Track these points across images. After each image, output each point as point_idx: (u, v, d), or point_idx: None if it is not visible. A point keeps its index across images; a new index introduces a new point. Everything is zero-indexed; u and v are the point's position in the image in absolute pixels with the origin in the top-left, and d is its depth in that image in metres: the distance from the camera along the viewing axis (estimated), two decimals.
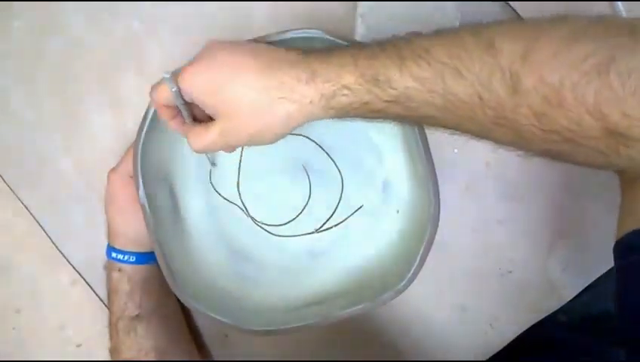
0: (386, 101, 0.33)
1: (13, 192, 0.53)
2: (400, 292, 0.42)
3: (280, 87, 0.34)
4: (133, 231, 0.46)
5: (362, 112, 0.34)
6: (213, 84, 0.35)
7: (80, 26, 0.53)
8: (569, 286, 0.51)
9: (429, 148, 0.42)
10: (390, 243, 0.47)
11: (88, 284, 0.53)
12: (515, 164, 0.51)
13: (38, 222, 0.53)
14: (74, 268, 0.53)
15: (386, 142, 0.47)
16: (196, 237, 0.48)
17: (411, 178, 0.47)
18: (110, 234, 0.48)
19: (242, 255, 0.49)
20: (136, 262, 0.46)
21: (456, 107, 0.31)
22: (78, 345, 0.54)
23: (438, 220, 0.42)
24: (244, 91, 0.34)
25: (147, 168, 0.43)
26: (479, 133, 0.33)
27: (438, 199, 0.42)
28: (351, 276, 0.47)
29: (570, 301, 0.51)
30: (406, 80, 0.32)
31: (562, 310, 0.51)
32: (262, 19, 0.51)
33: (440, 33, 0.33)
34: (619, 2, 0.49)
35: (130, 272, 0.46)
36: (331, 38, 0.41)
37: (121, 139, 0.52)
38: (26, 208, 0.53)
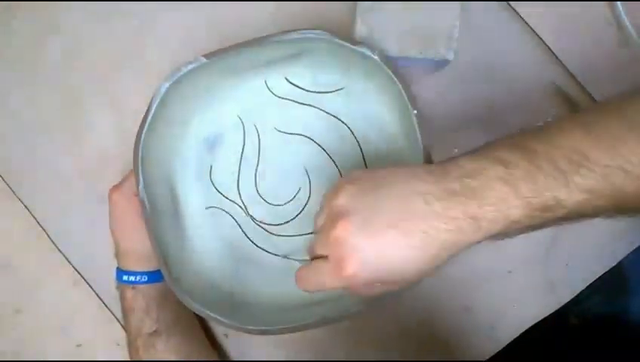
0: (558, 218, 0.31)
1: (14, 192, 0.53)
2: (399, 294, 0.42)
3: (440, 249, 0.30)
4: (143, 249, 0.45)
5: (529, 230, 0.32)
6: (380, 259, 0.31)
7: (80, 26, 0.53)
8: (569, 286, 0.51)
9: (429, 152, 0.42)
10: None
11: (88, 284, 0.53)
12: None
13: (38, 222, 0.53)
14: (74, 268, 0.53)
15: (387, 145, 0.47)
16: (195, 236, 0.48)
17: None
18: (119, 254, 0.47)
19: (241, 254, 0.49)
20: (149, 281, 0.46)
21: (625, 201, 0.30)
22: (78, 345, 0.54)
23: None
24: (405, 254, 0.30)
25: (147, 168, 0.43)
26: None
27: None
28: None
29: (574, 301, 0.51)
30: (575, 196, 0.29)
31: (570, 311, 0.51)
32: (262, 19, 0.51)
33: (581, 124, 0.30)
34: (618, 3, 0.49)
35: (144, 289, 0.46)
36: (338, 41, 0.41)
37: (121, 139, 0.52)
38: (27, 208, 0.53)
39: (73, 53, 0.53)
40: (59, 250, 0.53)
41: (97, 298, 0.53)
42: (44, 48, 0.53)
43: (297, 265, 0.48)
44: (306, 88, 0.48)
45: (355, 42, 0.42)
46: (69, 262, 0.53)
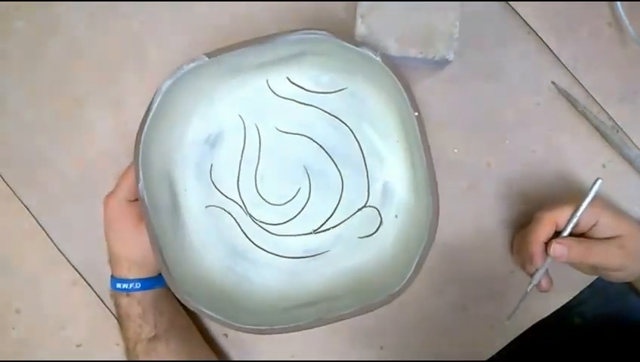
0: None
1: (14, 192, 0.53)
2: (395, 296, 0.42)
3: None
4: (135, 256, 0.45)
5: None
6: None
7: (80, 26, 0.53)
8: (569, 286, 0.51)
9: (430, 155, 0.42)
10: (387, 248, 0.47)
11: (88, 284, 0.53)
12: (516, 164, 0.51)
13: (38, 222, 0.53)
14: (74, 268, 0.53)
15: (387, 146, 0.47)
16: (194, 235, 0.48)
17: (411, 183, 0.46)
18: (112, 261, 0.47)
19: (240, 253, 0.48)
20: (142, 289, 0.46)
21: None
22: (78, 345, 0.54)
23: (436, 227, 0.41)
24: None
25: (148, 165, 0.43)
26: None
27: (437, 207, 0.41)
28: (348, 278, 0.47)
29: (575, 302, 0.51)
30: None
31: (571, 311, 0.51)
32: (262, 19, 0.51)
33: None
34: (618, 3, 0.49)
35: (139, 296, 0.46)
36: (341, 42, 0.41)
37: (121, 139, 0.52)
38: (27, 208, 0.53)
39: (73, 54, 0.53)
40: (59, 249, 0.53)
41: (97, 298, 0.53)
42: (44, 48, 0.53)
43: (296, 264, 0.49)
44: (308, 88, 0.48)
45: (357, 43, 0.41)
46: (69, 262, 0.53)
